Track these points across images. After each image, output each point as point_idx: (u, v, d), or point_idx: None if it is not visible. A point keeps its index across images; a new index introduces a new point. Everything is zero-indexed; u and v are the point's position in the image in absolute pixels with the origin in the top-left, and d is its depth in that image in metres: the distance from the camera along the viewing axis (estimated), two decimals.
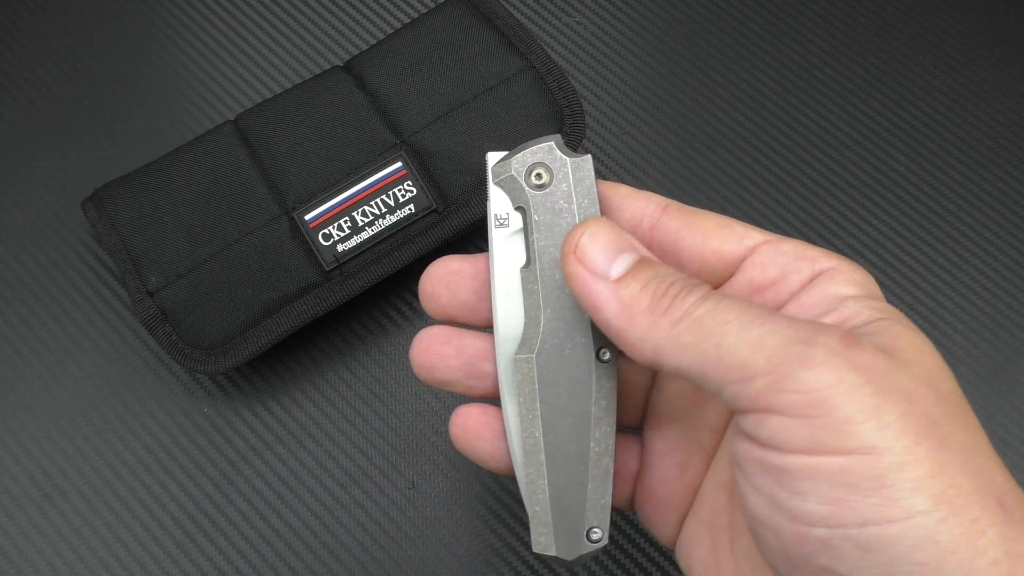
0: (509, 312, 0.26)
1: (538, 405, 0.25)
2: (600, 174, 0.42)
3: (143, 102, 0.44)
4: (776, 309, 0.23)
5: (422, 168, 0.37)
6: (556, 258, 0.25)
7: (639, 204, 0.26)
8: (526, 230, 0.26)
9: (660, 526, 0.27)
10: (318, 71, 0.44)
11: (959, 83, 0.44)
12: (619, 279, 0.23)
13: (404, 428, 0.38)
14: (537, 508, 0.26)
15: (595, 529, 0.25)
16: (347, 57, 0.44)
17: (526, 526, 0.36)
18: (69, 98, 0.44)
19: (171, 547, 0.36)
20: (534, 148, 0.26)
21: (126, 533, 0.36)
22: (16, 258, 0.41)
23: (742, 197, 0.42)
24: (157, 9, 0.46)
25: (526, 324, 0.26)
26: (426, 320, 0.40)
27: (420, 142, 0.38)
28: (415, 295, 0.40)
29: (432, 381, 0.28)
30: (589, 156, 0.26)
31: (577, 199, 0.26)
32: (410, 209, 0.37)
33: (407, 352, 0.39)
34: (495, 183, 0.26)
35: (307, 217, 0.37)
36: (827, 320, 0.23)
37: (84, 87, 0.44)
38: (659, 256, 0.25)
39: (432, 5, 0.46)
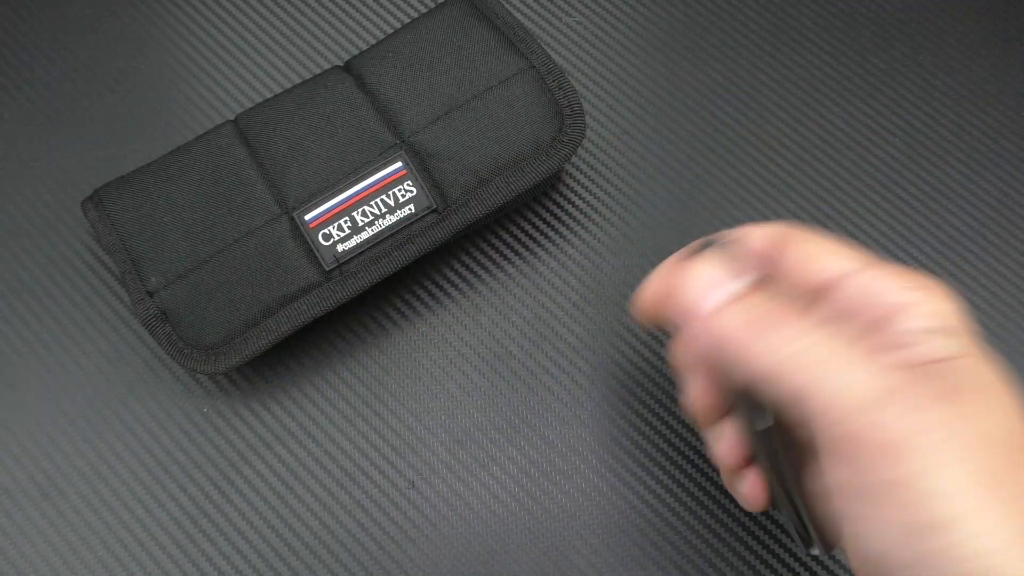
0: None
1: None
2: (599, 173, 0.42)
3: (143, 102, 0.44)
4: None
5: (422, 168, 0.37)
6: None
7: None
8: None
9: None
10: (318, 71, 0.44)
11: (959, 83, 0.44)
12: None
13: (404, 428, 0.38)
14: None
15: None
16: (347, 57, 0.44)
17: (527, 524, 0.36)
18: (69, 98, 0.44)
19: (171, 547, 0.36)
20: None
21: (126, 533, 0.36)
22: (16, 258, 0.41)
23: (742, 197, 0.42)
24: (157, 9, 0.46)
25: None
26: (425, 319, 0.40)
27: (420, 142, 0.38)
28: (415, 295, 0.40)
29: None
30: None
31: None
32: (410, 209, 0.37)
33: (407, 352, 0.39)
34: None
35: (307, 217, 0.37)
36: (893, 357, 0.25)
37: (84, 87, 0.44)
38: None
39: (432, 5, 0.46)
